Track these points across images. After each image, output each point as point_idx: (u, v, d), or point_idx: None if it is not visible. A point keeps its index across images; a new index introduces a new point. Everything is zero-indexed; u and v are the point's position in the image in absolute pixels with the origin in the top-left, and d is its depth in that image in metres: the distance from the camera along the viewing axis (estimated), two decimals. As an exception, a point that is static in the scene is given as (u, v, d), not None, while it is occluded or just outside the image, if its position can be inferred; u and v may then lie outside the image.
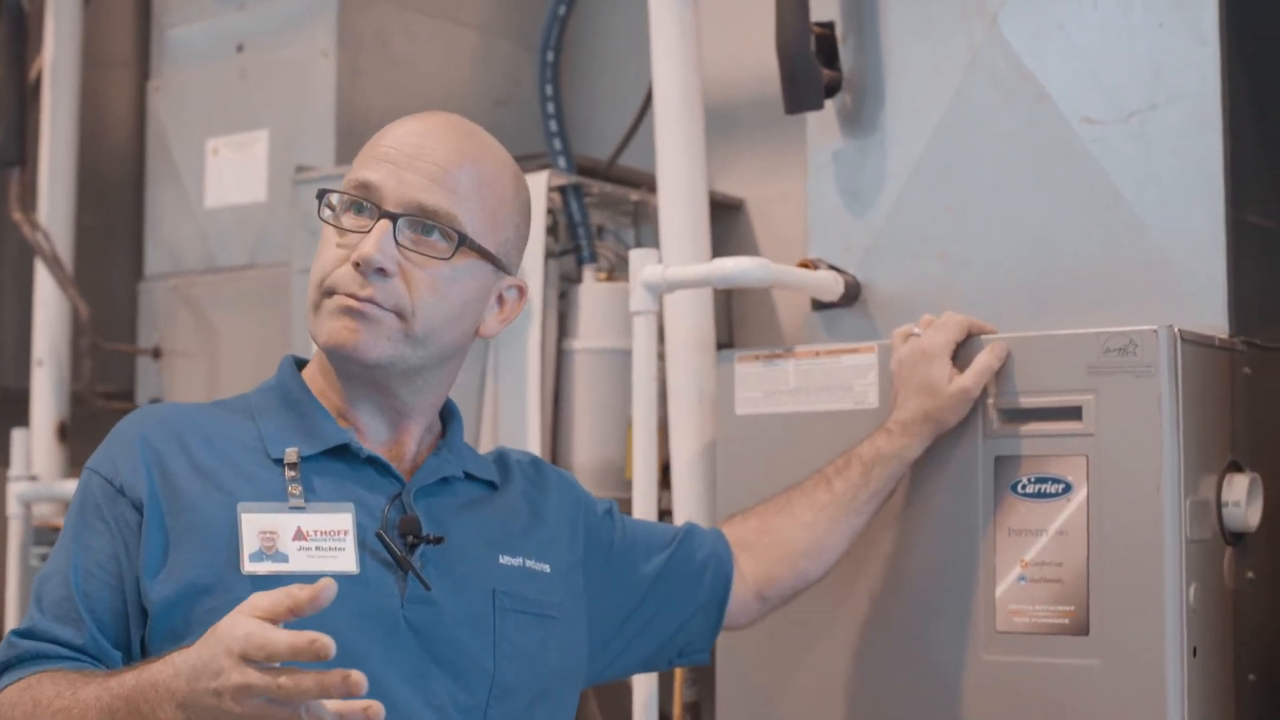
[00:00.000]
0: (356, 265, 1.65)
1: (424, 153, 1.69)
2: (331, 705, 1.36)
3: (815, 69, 2.43)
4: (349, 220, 1.70)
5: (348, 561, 1.63)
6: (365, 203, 1.68)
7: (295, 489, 1.65)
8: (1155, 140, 2.19)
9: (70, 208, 3.86)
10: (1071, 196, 2.25)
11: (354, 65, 3.38)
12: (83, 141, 3.94)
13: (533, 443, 3.05)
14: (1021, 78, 2.30)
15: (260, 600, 1.39)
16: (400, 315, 1.67)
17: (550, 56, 3.30)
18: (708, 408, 2.61)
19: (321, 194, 1.72)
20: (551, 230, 3.17)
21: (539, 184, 3.11)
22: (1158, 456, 1.99)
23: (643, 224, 3.31)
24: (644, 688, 2.39)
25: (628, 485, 2.74)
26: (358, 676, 1.34)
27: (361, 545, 1.64)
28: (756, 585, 2.05)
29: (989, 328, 2.17)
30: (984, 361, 2.09)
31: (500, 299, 1.79)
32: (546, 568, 1.81)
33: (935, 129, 2.38)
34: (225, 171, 3.65)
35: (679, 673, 2.62)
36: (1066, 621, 2.04)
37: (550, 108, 3.29)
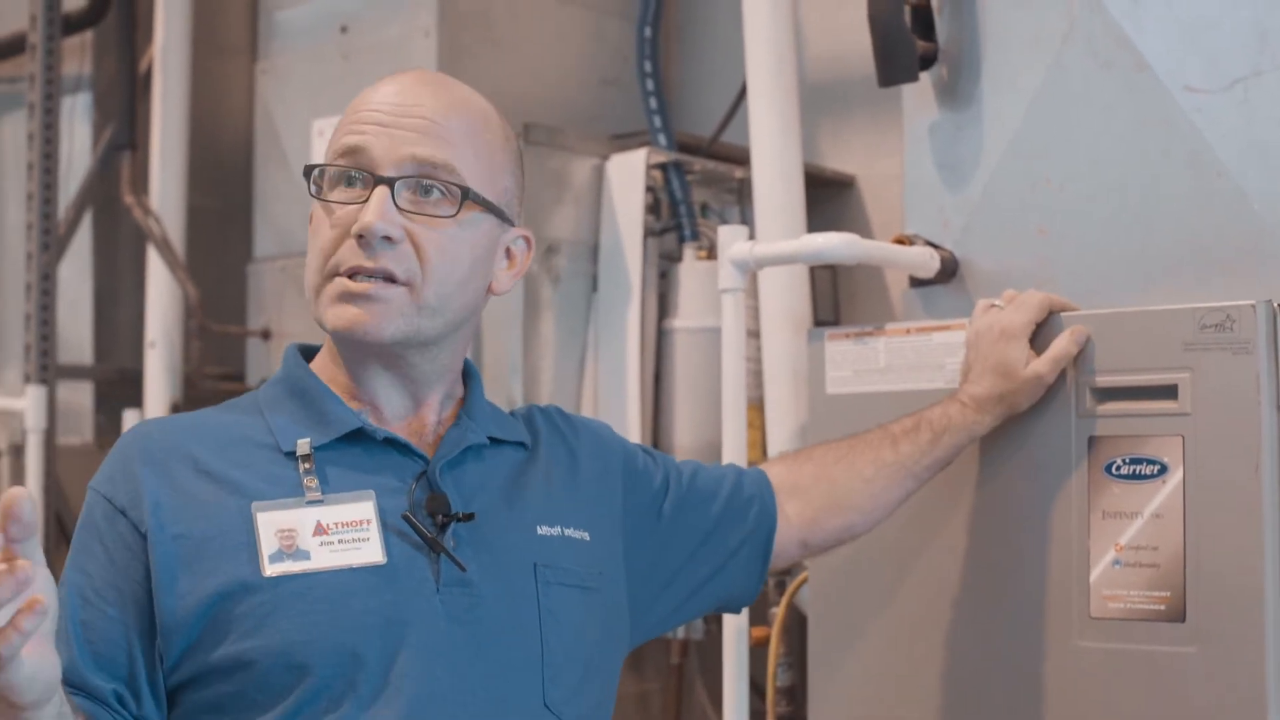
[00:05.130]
0: (360, 237, 1.56)
1: (409, 108, 1.61)
2: None
3: (909, 40, 2.37)
4: (339, 194, 1.61)
5: (373, 552, 1.55)
6: (356, 172, 1.59)
7: (311, 481, 1.57)
8: (1259, 108, 2.11)
9: (181, 191, 3.91)
10: (1172, 168, 2.18)
11: (455, 44, 3.36)
12: (198, 126, 3.99)
13: (633, 424, 3.03)
14: (1120, 46, 2.22)
15: None
16: (409, 285, 1.58)
17: (648, 32, 3.27)
18: (802, 387, 2.56)
19: (309, 170, 1.63)
20: (652, 208, 3.14)
21: (638, 161, 3.08)
22: (1256, 437, 1.92)
23: (747, 202, 3.26)
24: (735, 672, 2.35)
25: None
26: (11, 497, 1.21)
27: (387, 532, 1.57)
28: (801, 531, 1.98)
29: (1071, 305, 2.11)
30: (1062, 348, 2.02)
31: (508, 253, 1.71)
32: (586, 535, 1.73)
33: (1033, 101, 2.32)
34: (331, 153, 3.65)
35: (772, 657, 2.58)
36: (1163, 608, 1.98)
37: (649, 84, 3.26)
